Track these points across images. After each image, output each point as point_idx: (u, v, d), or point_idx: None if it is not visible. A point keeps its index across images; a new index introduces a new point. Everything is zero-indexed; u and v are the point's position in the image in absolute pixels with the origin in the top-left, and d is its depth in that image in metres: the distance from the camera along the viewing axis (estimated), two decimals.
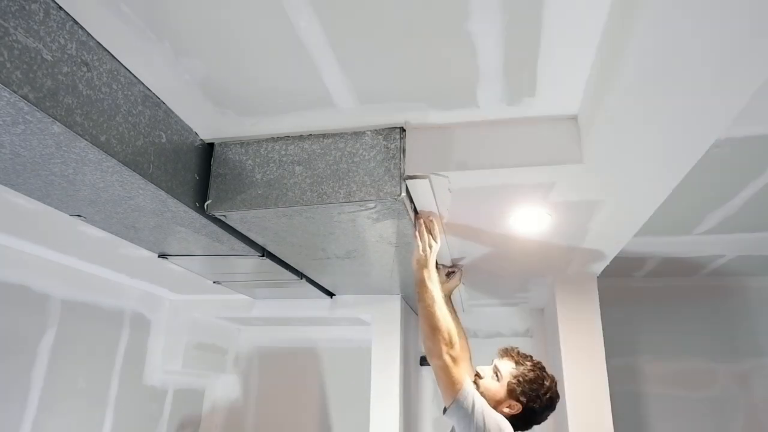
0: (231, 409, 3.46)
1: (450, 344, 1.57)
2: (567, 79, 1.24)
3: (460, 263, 2.33)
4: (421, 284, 1.65)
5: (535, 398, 1.63)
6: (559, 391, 1.73)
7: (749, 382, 3.09)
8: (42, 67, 0.98)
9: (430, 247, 1.69)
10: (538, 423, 1.68)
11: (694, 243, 2.61)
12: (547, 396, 1.64)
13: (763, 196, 2.02)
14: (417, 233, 1.69)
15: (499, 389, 1.65)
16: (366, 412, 2.62)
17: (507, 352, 1.74)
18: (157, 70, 1.23)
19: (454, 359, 1.57)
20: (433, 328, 1.58)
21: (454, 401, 1.55)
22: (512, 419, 1.60)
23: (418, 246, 1.68)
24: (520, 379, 1.64)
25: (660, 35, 0.90)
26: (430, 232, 1.70)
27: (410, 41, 1.12)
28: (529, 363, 1.69)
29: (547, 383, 1.66)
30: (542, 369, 1.69)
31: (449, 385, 1.56)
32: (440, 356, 1.56)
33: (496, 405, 1.62)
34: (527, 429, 1.68)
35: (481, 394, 1.62)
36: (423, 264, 1.67)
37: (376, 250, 1.93)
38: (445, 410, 1.63)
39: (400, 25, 1.07)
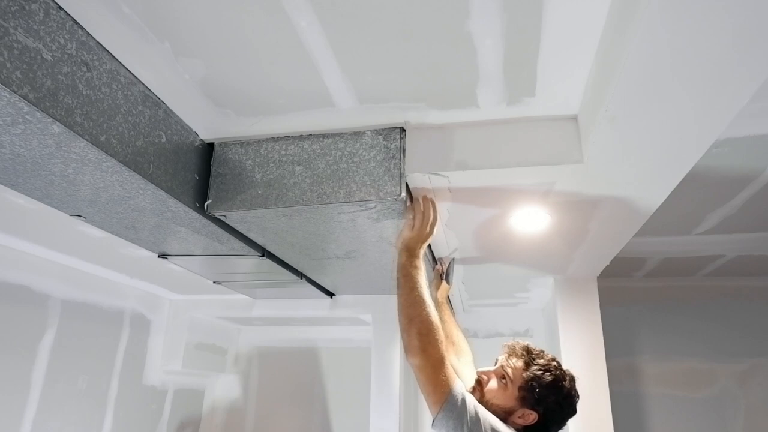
0: (231, 409, 3.46)
1: (429, 338, 1.28)
2: (567, 79, 1.24)
3: (451, 257, 2.26)
4: (403, 269, 1.39)
5: (554, 405, 1.35)
6: None
7: (749, 382, 3.09)
8: (42, 67, 0.98)
9: (426, 228, 1.45)
10: (558, 430, 1.42)
11: (694, 243, 2.61)
12: (568, 400, 1.37)
13: (763, 196, 2.02)
14: (420, 209, 1.46)
15: (508, 397, 1.36)
16: (366, 412, 2.62)
17: (514, 350, 1.44)
18: (157, 70, 1.23)
19: (437, 358, 1.28)
20: (410, 318, 1.30)
21: (440, 409, 1.24)
22: (526, 430, 1.35)
23: (411, 224, 1.42)
24: (534, 383, 1.34)
25: (660, 35, 0.90)
26: (432, 213, 1.49)
27: (410, 41, 1.12)
28: (542, 361, 1.38)
29: (566, 384, 1.37)
30: (558, 367, 1.39)
31: (432, 390, 1.26)
32: (417, 353, 1.27)
33: (506, 416, 1.34)
34: None
35: (486, 404, 1.33)
36: (412, 250, 1.41)
37: (376, 250, 1.93)
38: (433, 422, 1.29)
39: (400, 25, 1.07)
